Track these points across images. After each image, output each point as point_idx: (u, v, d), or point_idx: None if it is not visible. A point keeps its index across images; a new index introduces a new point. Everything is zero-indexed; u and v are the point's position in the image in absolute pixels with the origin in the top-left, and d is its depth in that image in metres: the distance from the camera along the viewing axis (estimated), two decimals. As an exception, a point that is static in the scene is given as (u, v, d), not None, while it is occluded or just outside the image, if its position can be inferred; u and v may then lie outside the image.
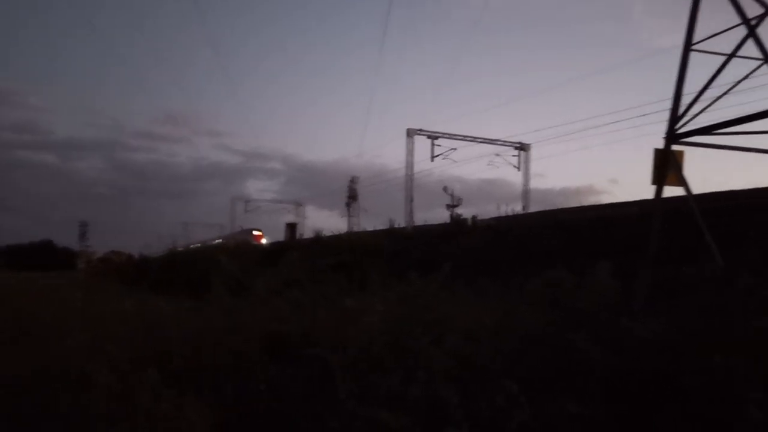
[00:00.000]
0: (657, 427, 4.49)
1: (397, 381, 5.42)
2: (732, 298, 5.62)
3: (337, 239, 28.16)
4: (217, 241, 58.14)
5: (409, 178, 38.37)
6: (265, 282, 12.55)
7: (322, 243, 28.25)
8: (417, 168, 39.16)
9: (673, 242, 10.59)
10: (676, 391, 4.52)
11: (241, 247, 32.70)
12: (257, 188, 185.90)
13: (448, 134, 38.64)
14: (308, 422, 5.30)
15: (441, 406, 4.74)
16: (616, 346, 5.40)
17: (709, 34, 9.49)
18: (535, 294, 8.51)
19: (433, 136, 38.36)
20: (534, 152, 40.79)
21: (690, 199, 9.29)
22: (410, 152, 38.60)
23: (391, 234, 27.53)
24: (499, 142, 40.22)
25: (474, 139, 39.35)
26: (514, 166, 40.84)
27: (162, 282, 24.76)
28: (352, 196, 46.96)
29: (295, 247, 25.92)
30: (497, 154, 40.35)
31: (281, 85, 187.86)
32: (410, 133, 38.43)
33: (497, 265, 15.44)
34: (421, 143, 38.81)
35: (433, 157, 38.41)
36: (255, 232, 57.28)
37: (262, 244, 44.41)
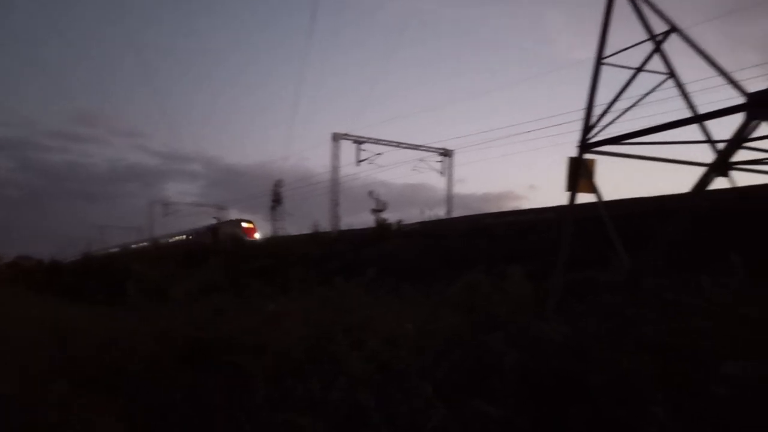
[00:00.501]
0: (567, 425, 4.66)
1: (317, 385, 5.42)
2: (636, 300, 5.92)
3: (260, 243, 27.84)
4: (176, 238, 51.65)
5: (335, 182, 38.35)
6: (184, 287, 12.29)
7: (245, 247, 27.85)
8: (343, 172, 39.19)
9: (586, 247, 11.02)
10: (584, 391, 4.71)
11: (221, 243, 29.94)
12: (177, 191, 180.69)
13: (374, 139, 38.90)
14: (225, 429, 5.22)
15: (359, 410, 4.77)
16: (528, 348, 5.58)
17: (621, 48, 9.96)
18: (455, 297, 8.69)
19: (358, 141, 38.48)
20: (457, 158, 41.63)
21: (600, 205, 9.71)
22: (336, 157, 38.60)
23: (316, 238, 27.43)
24: (423, 148, 40.80)
25: (399, 145, 39.76)
26: (438, 172, 41.53)
27: (75, 288, 23.79)
28: (277, 200, 46.33)
29: (218, 252, 25.42)
30: (421, 160, 40.92)
31: (203, 86, 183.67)
32: (336, 138, 38.42)
33: (421, 270, 15.64)
34: (348, 148, 38.94)
35: (358, 162, 38.55)
36: (245, 224, 45.54)
37: (255, 240, 38.26)
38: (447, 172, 41.44)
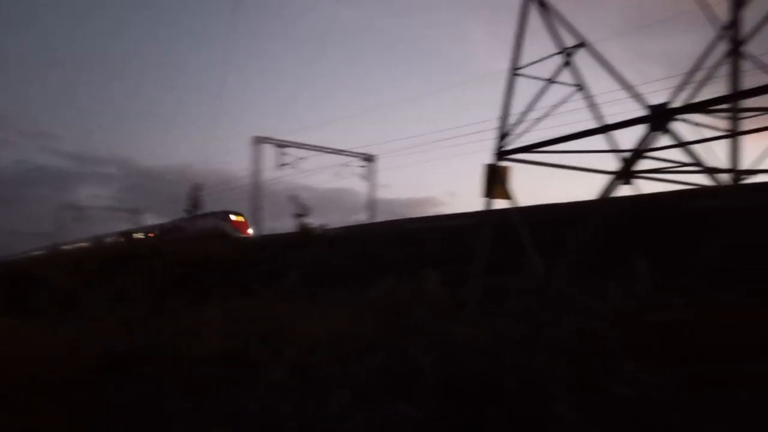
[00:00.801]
0: (483, 427, 4.81)
1: (236, 395, 5.36)
2: (547, 305, 6.18)
3: (178, 249, 27.00)
4: (138, 235, 44.55)
5: (256, 186, 37.83)
6: (98, 296, 11.82)
7: (162, 253, 26.98)
8: (266, 176, 38.69)
9: (507, 252, 11.37)
10: (499, 393, 4.88)
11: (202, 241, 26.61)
12: (90, 194, 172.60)
13: (297, 143, 38.67)
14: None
15: (278, 419, 4.76)
16: (447, 352, 5.71)
17: (534, 60, 10.37)
18: (377, 302, 8.78)
19: (281, 145, 38.14)
20: (381, 163, 41.97)
21: (515, 211, 10.07)
22: (257, 160, 38.10)
23: (237, 243, 26.96)
24: (346, 153, 40.90)
25: (322, 149, 39.70)
26: (362, 177, 41.70)
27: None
28: (195, 204, 45.14)
29: (136, 257, 24.52)
30: (344, 165, 40.99)
31: (119, 85, 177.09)
32: (257, 141, 37.94)
33: (344, 274, 15.65)
34: (271, 151, 38.50)
35: (280, 166, 38.15)
36: (234, 217, 37.15)
37: (248, 236, 33.54)
38: (370, 177, 41.70)
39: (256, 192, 37.70)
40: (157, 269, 20.17)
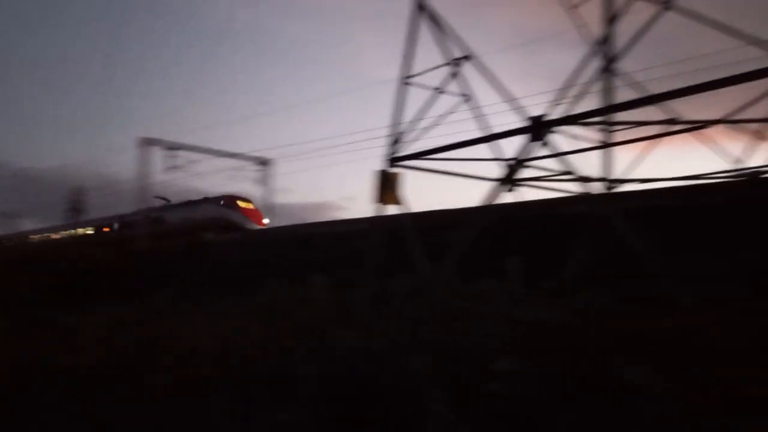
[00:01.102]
0: (362, 428, 4.88)
1: (111, 407, 5.16)
2: (428, 306, 6.37)
3: (57, 254, 25.46)
4: (106, 229, 36.89)
5: (143, 189, 36.24)
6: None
7: (38, 258, 25.39)
8: (155, 179, 37.14)
9: (399, 256, 11.58)
10: (377, 394, 4.97)
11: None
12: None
13: (189, 146, 37.47)
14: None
15: (152, 429, 4.63)
16: (329, 356, 5.76)
17: (426, 69, 10.66)
18: (263, 308, 8.71)
19: (172, 147, 36.84)
20: (280, 167, 41.45)
21: (405, 216, 10.31)
22: (145, 163, 36.55)
23: (123, 248, 25.80)
24: (240, 156, 40.12)
25: (217, 153, 38.76)
26: (257, 181, 40.99)
27: None
28: (77, 208, 42.45)
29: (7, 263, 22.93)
30: (239, 168, 40.11)
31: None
32: (145, 143, 36.41)
33: (235, 279, 15.38)
34: (160, 154, 37.04)
35: (170, 169, 36.75)
36: (242, 203, 30.10)
37: (263, 227, 28.27)
38: (266, 181, 41.11)
39: (143, 195, 36.09)
40: (36, 276, 18.99)
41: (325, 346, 5.84)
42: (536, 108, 10.06)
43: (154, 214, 32.91)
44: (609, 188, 10.40)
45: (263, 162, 40.77)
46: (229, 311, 9.38)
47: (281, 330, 6.77)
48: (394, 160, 10.25)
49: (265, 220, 30.25)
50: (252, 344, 6.66)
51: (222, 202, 29.24)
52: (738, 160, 9.62)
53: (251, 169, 40.63)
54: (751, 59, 7.54)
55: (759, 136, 9.03)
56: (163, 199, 35.79)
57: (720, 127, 9.18)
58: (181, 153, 36.92)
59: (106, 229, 36.22)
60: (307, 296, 7.63)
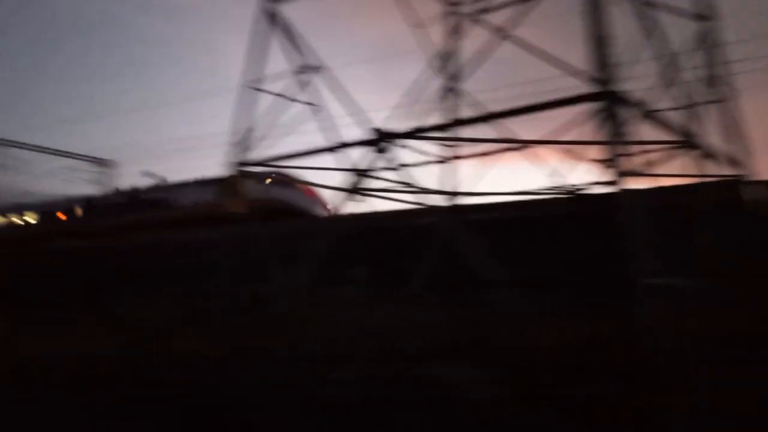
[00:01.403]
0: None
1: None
2: (276, 315, 6.42)
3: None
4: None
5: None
6: None
7: None
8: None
9: (253, 264, 11.43)
10: (223, 402, 4.96)
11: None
12: None
13: (20, 143, 34.46)
14: None
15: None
16: (177, 366, 5.66)
17: (272, 76, 10.64)
18: (115, 320, 8.41)
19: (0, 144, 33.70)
20: (122, 169, 39.13)
21: (257, 224, 10.23)
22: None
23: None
24: (78, 157, 37.49)
25: (55, 152, 35.99)
26: (95, 183, 38.38)
27: None
28: None
29: None
30: (71, 169, 37.38)
31: None
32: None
33: (85, 290, 14.41)
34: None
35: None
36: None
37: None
38: (106, 183, 38.61)
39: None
40: None
41: (173, 357, 5.73)
42: (390, 121, 10.34)
43: (154, 195, 22.87)
44: (450, 200, 10.96)
45: (102, 163, 38.39)
46: (78, 323, 8.95)
47: (133, 342, 6.60)
48: (240, 165, 10.13)
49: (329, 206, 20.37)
50: (102, 357, 6.47)
51: (280, 183, 19.67)
52: (560, 177, 10.55)
53: (87, 170, 38.10)
54: (574, 87, 8.23)
55: (574, 156, 9.96)
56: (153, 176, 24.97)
57: (549, 147, 10.02)
58: (13, 152, 34.00)
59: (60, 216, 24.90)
60: (157, 306, 7.47)
